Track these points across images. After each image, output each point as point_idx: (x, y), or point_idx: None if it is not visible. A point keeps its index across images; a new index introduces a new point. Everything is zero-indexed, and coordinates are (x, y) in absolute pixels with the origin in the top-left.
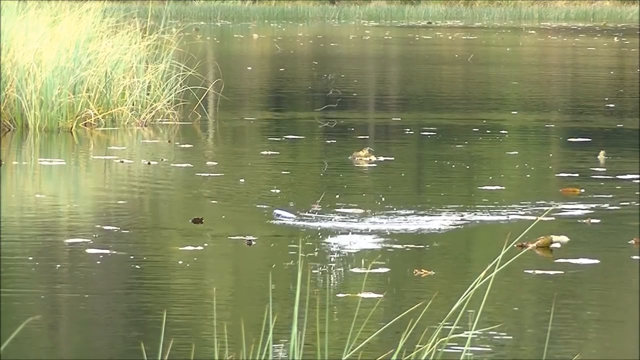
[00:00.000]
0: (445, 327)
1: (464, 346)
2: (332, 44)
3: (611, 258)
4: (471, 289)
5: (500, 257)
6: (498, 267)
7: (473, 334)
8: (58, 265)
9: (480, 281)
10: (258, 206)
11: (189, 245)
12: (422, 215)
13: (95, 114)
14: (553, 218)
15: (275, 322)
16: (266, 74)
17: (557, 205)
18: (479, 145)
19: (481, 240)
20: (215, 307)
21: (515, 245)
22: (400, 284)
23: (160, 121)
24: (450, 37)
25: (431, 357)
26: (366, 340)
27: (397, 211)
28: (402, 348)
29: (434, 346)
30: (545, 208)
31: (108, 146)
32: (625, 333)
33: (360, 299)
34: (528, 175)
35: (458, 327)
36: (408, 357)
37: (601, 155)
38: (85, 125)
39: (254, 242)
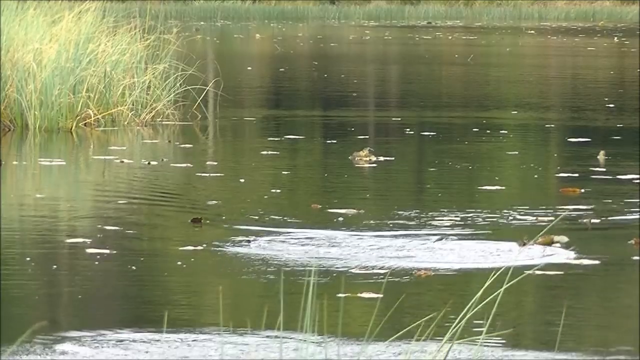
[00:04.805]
0: (444, 326)
1: (468, 347)
2: (332, 44)
3: (611, 258)
4: (482, 290)
5: (513, 260)
6: (504, 268)
7: (474, 333)
8: (55, 266)
9: (484, 285)
10: (258, 206)
11: (189, 245)
12: (422, 215)
13: (95, 114)
14: (552, 218)
15: (278, 323)
16: (266, 74)
17: (569, 210)
18: (479, 145)
19: (481, 241)
20: (215, 307)
21: (518, 245)
22: (401, 283)
23: (160, 121)
24: (450, 37)
25: (439, 358)
26: (380, 341)
27: (397, 211)
28: (410, 349)
29: (443, 347)
30: (546, 209)
31: (108, 146)
32: (625, 333)
33: (360, 298)
34: (529, 175)
35: (465, 328)
36: (415, 357)
37: (601, 155)
38: (85, 125)
39: (252, 242)
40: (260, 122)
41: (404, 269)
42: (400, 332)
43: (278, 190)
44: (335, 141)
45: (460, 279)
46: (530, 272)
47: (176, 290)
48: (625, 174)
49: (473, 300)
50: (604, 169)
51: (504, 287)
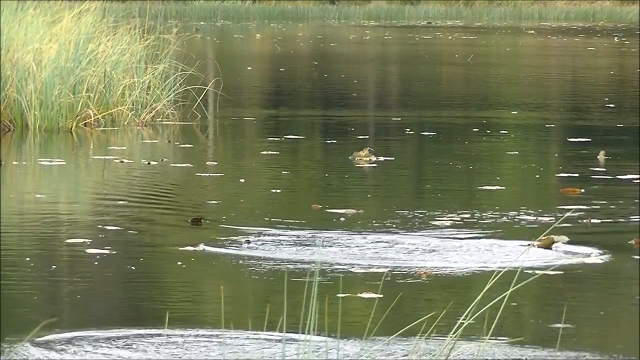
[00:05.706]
0: (446, 326)
1: (470, 346)
2: (332, 44)
3: (611, 258)
4: (484, 291)
5: (514, 260)
6: (505, 268)
7: (475, 332)
8: (55, 266)
9: (487, 286)
10: (258, 206)
11: (189, 246)
12: (422, 215)
13: (95, 114)
14: (553, 218)
15: (280, 323)
16: (266, 74)
17: (569, 210)
18: (479, 145)
19: (481, 241)
20: (215, 307)
21: (519, 246)
22: (401, 284)
23: (160, 121)
24: (450, 37)
25: (441, 357)
26: (383, 341)
27: (397, 211)
28: (411, 348)
29: (445, 346)
30: (546, 209)
31: (108, 146)
32: (625, 333)
33: (360, 298)
34: (529, 175)
35: (466, 328)
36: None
37: (601, 155)
38: (85, 125)
39: (252, 242)
40: (260, 122)
41: (404, 269)
42: (401, 332)
43: (278, 190)
44: (335, 141)
45: (461, 279)
46: (531, 272)
47: (176, 290)
48: (625, 174)
49: (475, 301)
50: (604, 169)
51: (510, 290)
